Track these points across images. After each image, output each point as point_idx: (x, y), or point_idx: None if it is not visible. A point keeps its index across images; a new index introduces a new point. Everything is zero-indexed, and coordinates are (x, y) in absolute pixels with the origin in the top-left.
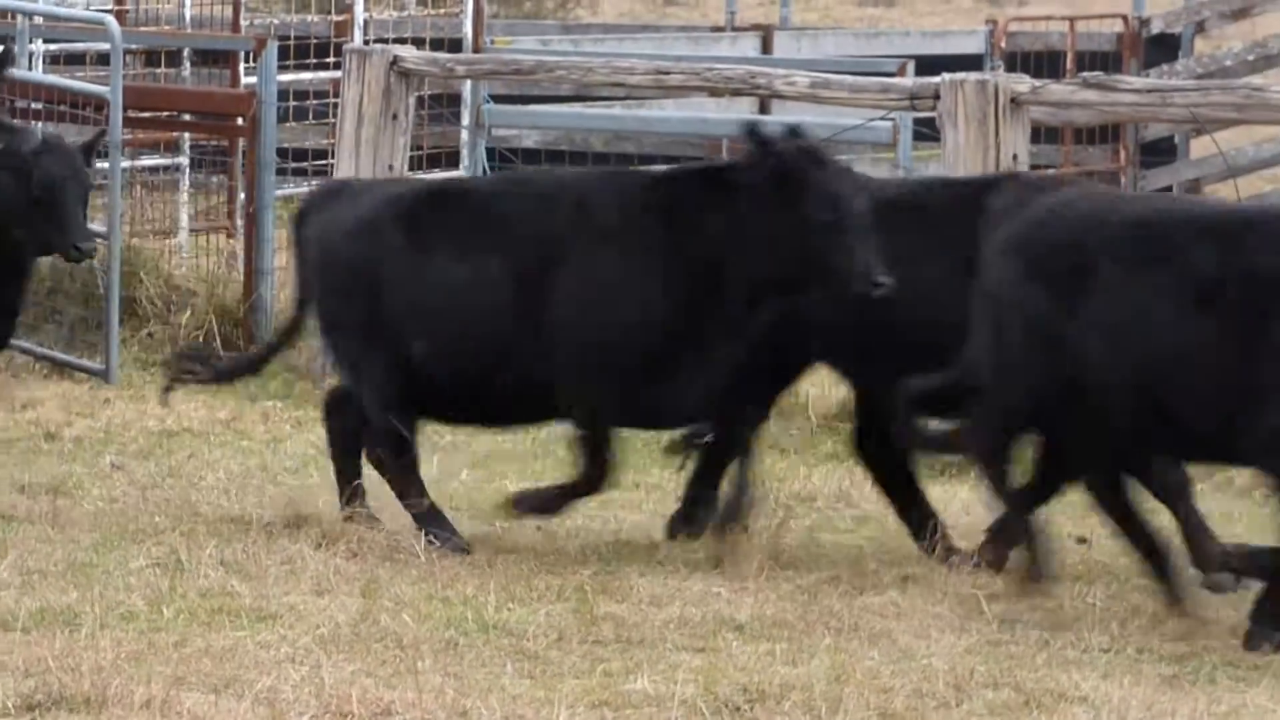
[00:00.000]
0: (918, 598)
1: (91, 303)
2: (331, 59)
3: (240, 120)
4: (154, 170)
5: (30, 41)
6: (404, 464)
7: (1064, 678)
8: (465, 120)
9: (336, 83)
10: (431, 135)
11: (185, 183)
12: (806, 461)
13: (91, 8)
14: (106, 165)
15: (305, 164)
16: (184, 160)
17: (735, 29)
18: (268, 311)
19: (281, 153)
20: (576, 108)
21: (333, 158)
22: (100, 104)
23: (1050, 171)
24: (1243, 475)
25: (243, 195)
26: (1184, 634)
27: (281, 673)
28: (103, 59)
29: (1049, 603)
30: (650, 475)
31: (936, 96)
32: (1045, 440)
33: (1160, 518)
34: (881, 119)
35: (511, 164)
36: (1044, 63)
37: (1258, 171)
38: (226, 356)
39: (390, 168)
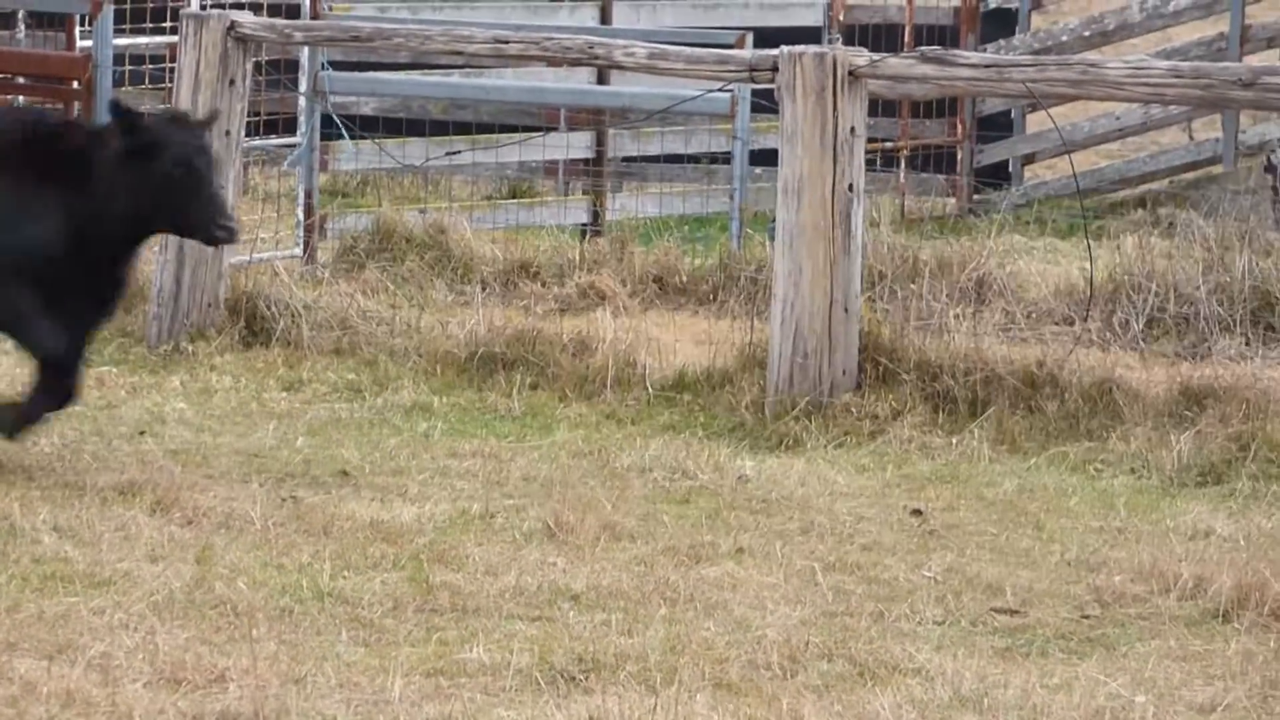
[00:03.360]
0: (753, 569)
1: None
2: (168, 23)
3: (76, 84)
4: None
5: None
6: None
7: (898, 649)
8: (303, 87)
9: (173, 47)
10: (269, 101)
11: None
12: (643, 432)
13: None
14: None
15: None
16: None
17: None
18: None
19: None
20: (415, 75)
21: None
22: None
23: (887, 144)
24: (1077, 449)
25: None
26: (1017, 607)
27: (115, 639)
28: None
29: (884, 575)
30: (488, 444)
31: (775, 69)
32: None
33: None
34: (720, 90)
35: (349, 130)
36: (882, 36)
37: (1093, 146)
38: None
39: (227, 133)
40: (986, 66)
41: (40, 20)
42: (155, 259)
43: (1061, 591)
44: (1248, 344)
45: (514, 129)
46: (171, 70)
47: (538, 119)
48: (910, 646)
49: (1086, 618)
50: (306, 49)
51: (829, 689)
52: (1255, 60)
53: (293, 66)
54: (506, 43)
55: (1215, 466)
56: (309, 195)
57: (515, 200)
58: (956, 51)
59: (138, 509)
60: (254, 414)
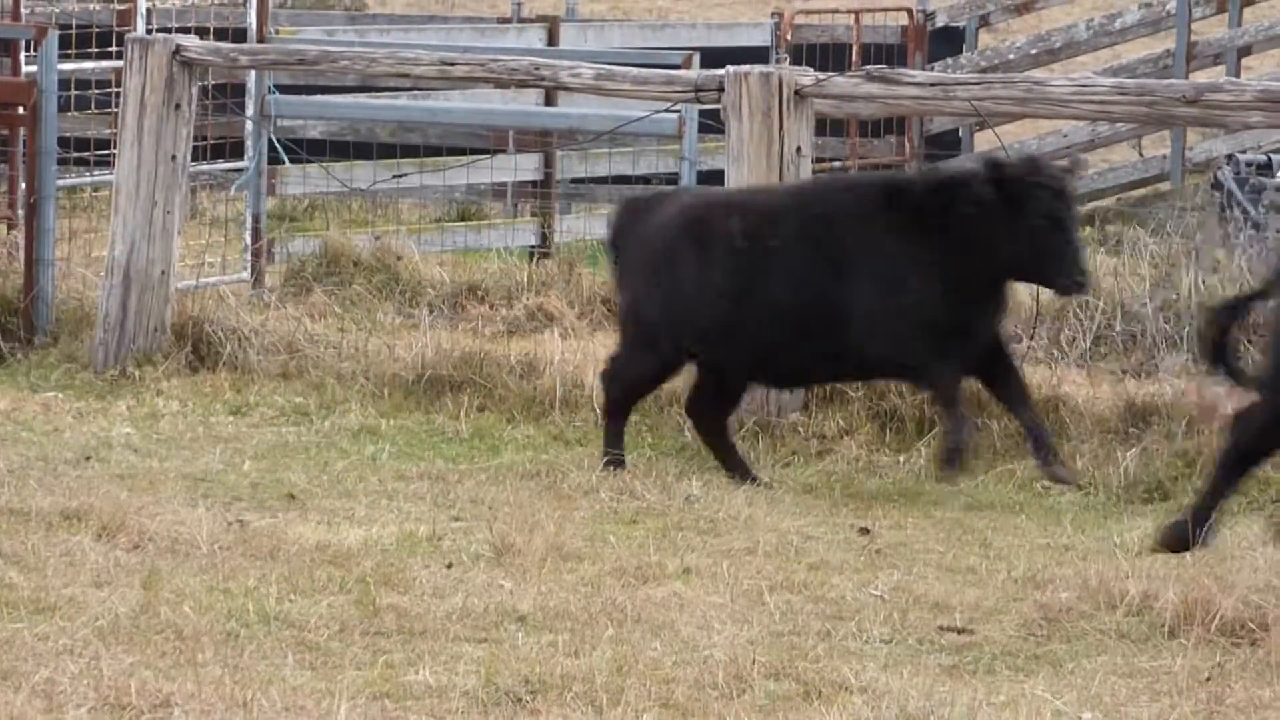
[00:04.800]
0: (700, 589)
1: None
2: (114, 48)
3: (21, 109)
4: None
5: None
6: None
7: (845, 668)
8: (250, 110)
9: (119, 72)
10: (216, 125)
11: None
12: (590, 453)
13: None
14: None
15: (88, 154)
16: None
17: (521, 20)
18: (49, 302)
19: (63, 142)
20: (362, 98)
21: (114, 148)
22: None
23: (835, 164)
24: (1024, 467)
25: (23, 185)
26: (964, 625)
27: (59, 664)
28: None
29: (831, 593)
30: (435, 466)
31: (721, 89)
32: None
33: None
34: (667, 111)
35: (296, 154)
36: (829, 55)
37: None
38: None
39: (173, 157)
40: (933, 85)
41: None
42: (101, 284)
43: (1008, 609)
44: (1194, 361)
45: (462, 151)
46: (117, 95)
47: (485, 141)
48: (857, 665)
49: (1034, 635)
50: (253, 73)
51: (776, 709)
52: (1202, 77)
53: (239, 90)
54: (453, 65)
55: (1161, 483)
56: (256, 219)
57: (463, 223)
58: (903, 70)
59: (84, 534)
60: (201, 438)
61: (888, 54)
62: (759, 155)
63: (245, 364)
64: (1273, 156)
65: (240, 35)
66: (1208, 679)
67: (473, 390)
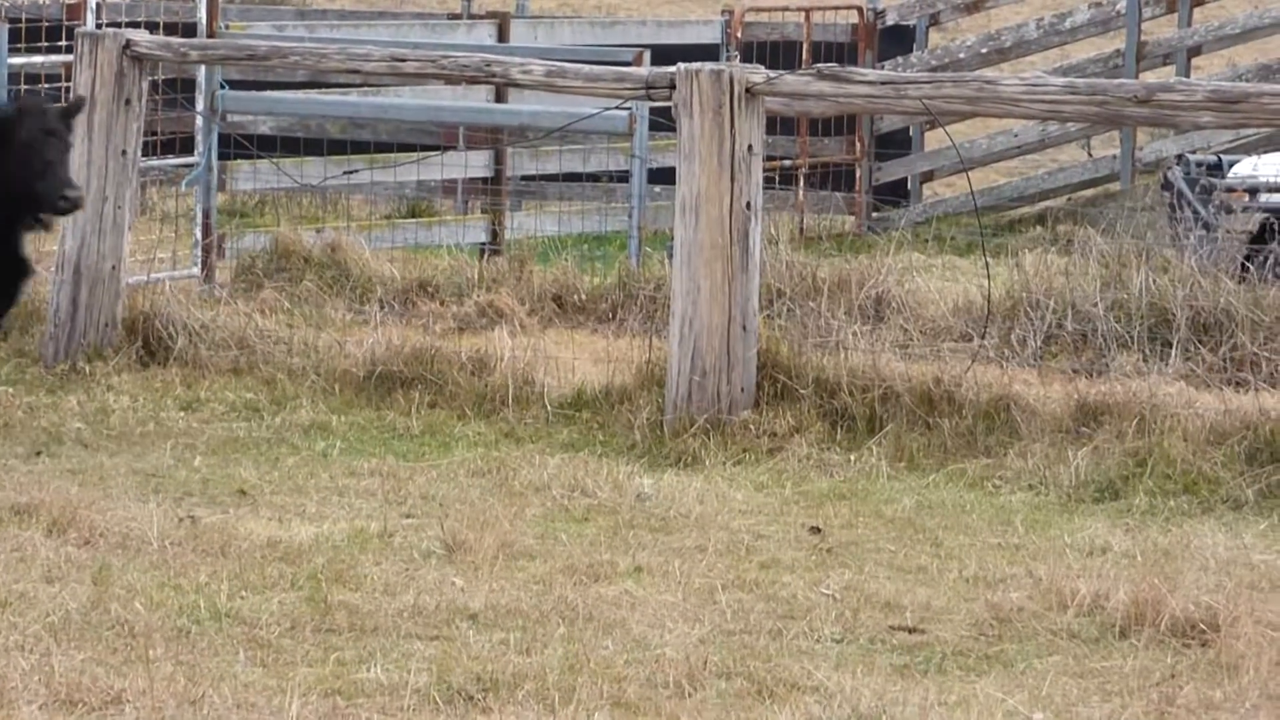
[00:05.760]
0: (652, 587)
1: None
2: (64, 42)
3: None
4: None
5: None
6: None
7: (796, 667)
8: (199, 106)
9: (69, 66)
10: (165, 120)
11: None
12: (541, 450)
13: None
14: None
15: None
16: None
17: (471, 16)
18: None
19: None
20: (312, 94)
21: None
22: None
23: (786, 162)
24: (975, 466)
25: None
26: (915, 624)
27: (10, 661)
28: None
29: (782, 592)
30: (386, 463)
31: (672, 86)
32: None
33: None
34: (618, 108)
35: (246, 150)
36: (780, 53)
37: (991, 164)
38: None
39: (124, 153)
40: (883, 84)
41: None
42: (52, 279)
43: (960, 609)
44: (1145, 360)
45: (412, 148)
46: (68, 89)
47: (436, 138)
48: (809, 664)
49: (985, 635)
50: (203, 68)
51: (728, 707)
52: (1151, 77)
53: (189, 85)
54: (404, 61)
55: (1112, 483)
56: (207, 215)
57: (414, 220)
58: (853, 69)
59: (34, 529)
60: (151, 433)
61: (838, 52)
62: (710, 153)
63: (196, 359)
64: (1223, 157)
65: (190, 30)
66: (1159, 680)
67: (423, 387)
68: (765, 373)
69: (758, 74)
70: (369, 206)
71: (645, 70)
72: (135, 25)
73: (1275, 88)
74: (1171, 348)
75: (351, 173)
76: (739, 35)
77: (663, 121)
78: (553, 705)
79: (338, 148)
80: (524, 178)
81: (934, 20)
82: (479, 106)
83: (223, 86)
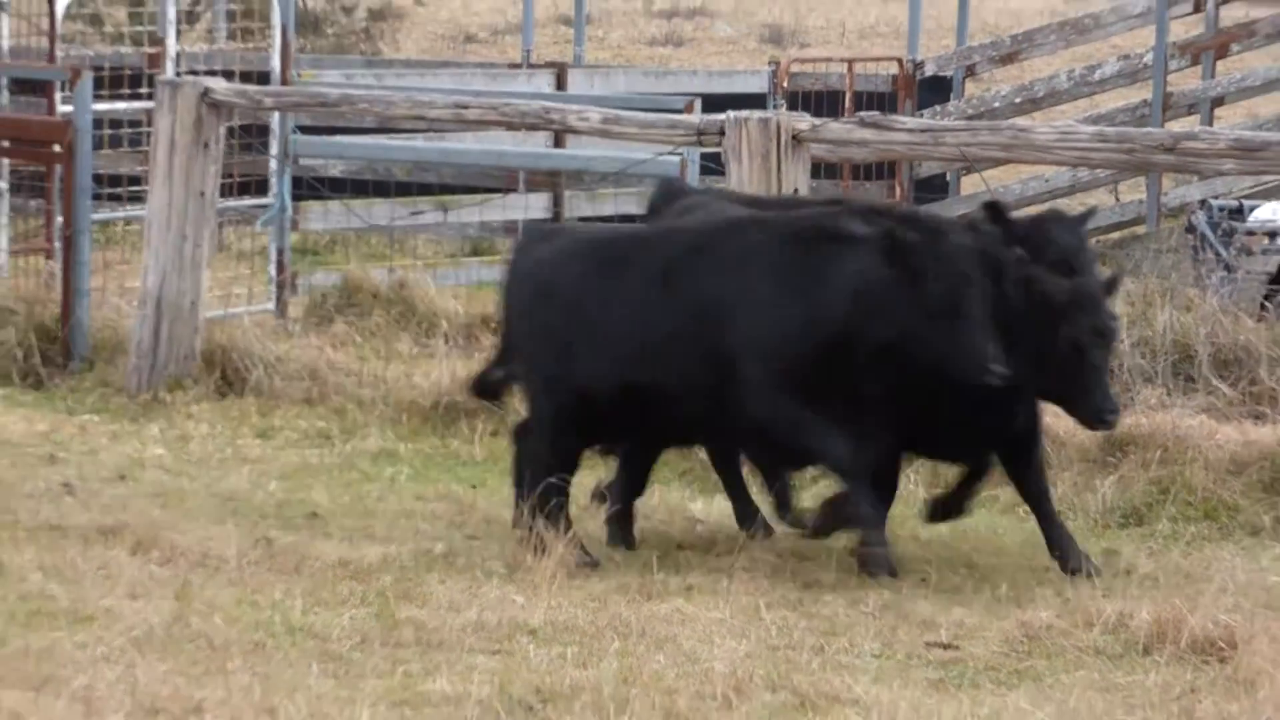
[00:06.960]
0: (701, 605)
1: None
2: (145, 89)
3: (57, 147)
4: None
5: None
6: None
7: (837, 681)
8: (273, 150)
9: (150, 112)
10: (242, 163)
11: (5, 207)
12: (597, 476)
13: None
14: None
15: (120, 189)
16: (3, 185)
17: (531, 66)
18: (85, 330)
19: (97, 178)
20: (380, 139)
21: (146, 184)
22: None
23: None
24: (1007, 493)
25: (60, 219)
26: (950, 641)
27: (97, 672)
28: None
29: (824, 610)
30: (451, 488)
31: (722, 133)
32: None
33: None
34: (670, 153)
35: (318, 192)
36: (824, 102)
37: (1024, 207)
38: None
39: (202, 194)
40: (922, 131)
41: (23, 86)
42: (134, 313)
43: (992, 626)
44: (1168, 394)
45: (475, 190)
46: (148, 134)
47: (497, 180)
48: (849, 678)
49: (1015, 651)
50: (277, 114)
51: (773, 719)
52: (1177, 126)
53: (264, 130)
54: (466, 108)
55: (1137, 509)
56: (280, 253)
57: (476, 258)
58: (894, 117)
59: (119, 549)
60: (229, 459)
61: (879, 101)
62: None
63: (270, 390)
64: (1244, 202)
65: (265, 78)
66: (1179, 694)
67: (486, 416)
68: None
69: (803, 121)
70: (434, 246)
71: (696, 118)
72: (212, 74)
73: None
74: (1194, 382)
75: (417, 214)
76: (785, 85)
77: (713, 166)
78: (608, 715)
79: (404, 190)
80: (581, 219)
81: (970, 71)
82: (538, 152)
83: (295, 131)
